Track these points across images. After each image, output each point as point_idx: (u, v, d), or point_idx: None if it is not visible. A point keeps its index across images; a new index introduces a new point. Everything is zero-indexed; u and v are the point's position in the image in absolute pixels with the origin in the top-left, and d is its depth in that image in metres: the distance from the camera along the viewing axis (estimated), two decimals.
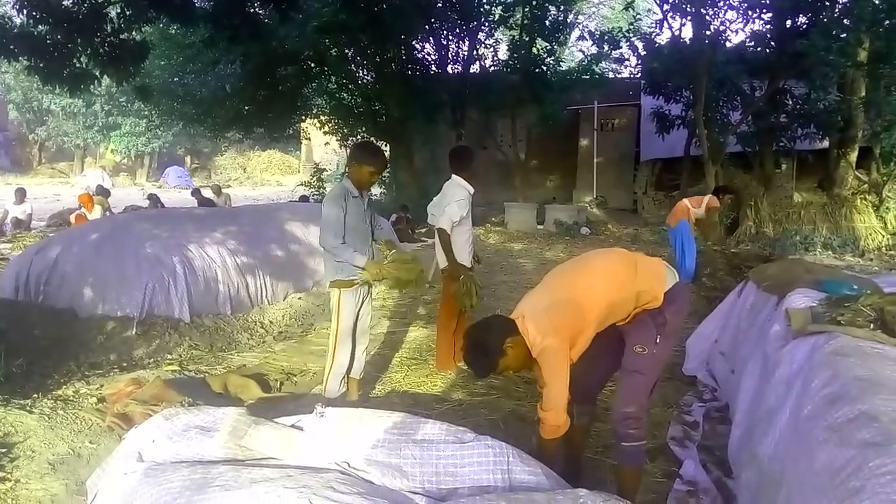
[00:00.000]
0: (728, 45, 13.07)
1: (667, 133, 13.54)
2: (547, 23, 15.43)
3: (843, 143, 12.38)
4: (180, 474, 2.29)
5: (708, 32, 12.12)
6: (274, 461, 2.47)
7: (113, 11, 7.17)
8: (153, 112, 17.01)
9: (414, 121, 15.46)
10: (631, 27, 14.67)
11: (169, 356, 5.07)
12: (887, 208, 11.88)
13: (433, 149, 16.02)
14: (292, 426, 2.64)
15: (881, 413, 1.84)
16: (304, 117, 17.76)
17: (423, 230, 12.23)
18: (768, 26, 12.22)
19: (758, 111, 12.24)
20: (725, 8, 12.25)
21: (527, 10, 15.00)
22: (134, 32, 7.63)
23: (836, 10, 11.15)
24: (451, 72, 16.21)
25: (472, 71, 16.19)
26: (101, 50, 7.00)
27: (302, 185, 18.15)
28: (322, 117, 17.30)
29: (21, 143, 35.52)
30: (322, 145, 22.31)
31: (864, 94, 11.44)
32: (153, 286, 5.62)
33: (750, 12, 12.01)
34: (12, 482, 2.80)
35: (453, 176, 4.63)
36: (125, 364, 4.82)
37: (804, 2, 11.19)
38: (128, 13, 7.09)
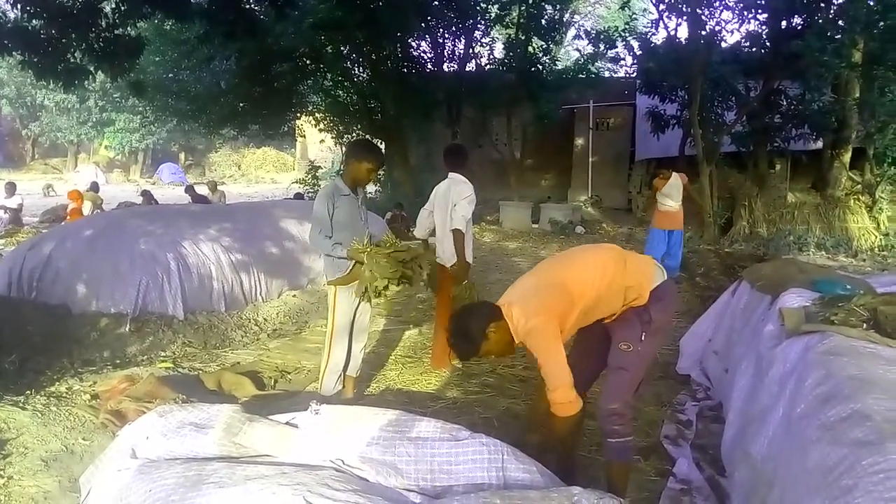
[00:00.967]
0: (723, 45, 13.07)
1: (662, 133, 13.55)
2: (543, 21, 15.43)
3: (837, 144, 12.41)
4: (174, 471, 2.29)
5: (703, 32, 12.12)
6: (269, 458, 2.46)
7: (108, 6, 7.13)
8: (147, 108, 16.95)
9: (410, 119, 15.44)
10: (627, 27, 14.68)
11: (163, 353, 5.05)
12: (880, 209, 11.93)
13: (429, 147, 16.00)
14: (287, 423, 2.64)
15: (874, 412, 1.85)
16: (299, 114, 17.72)
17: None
18: (763, 27, 12.24)
19: (752, 111, 12.27)
20: (721, 8, 12.26)
21: (523, 8, 15.00)
22: (129, 28, 7.60)
23: (832, 12, 11.16)
24: (447, 70, 16.18)
25: (467, 69, 16.17)
26: (96, 45, 6.97)
27: (297, 182, 18.12)
28: (317, 115, 17.26)
29: (14, 138, 35.39)
30: (317, 143, 22.29)
31: (858, 95, 11.46)
32: (147, 283, 5.61)
33: (745, 13, 12.03)
34: (5, 479, 2.79)
35: (451, 174, 4.62)
36: (119, 361, 4.80)
37: (799, 3, 11.20)
38: (123, 8, 7.05)
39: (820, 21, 10.96)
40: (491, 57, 17.36)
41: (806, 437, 2.01)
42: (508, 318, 2.61)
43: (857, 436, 1.77)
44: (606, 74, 18.23)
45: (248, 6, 8.35)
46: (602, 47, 15.23)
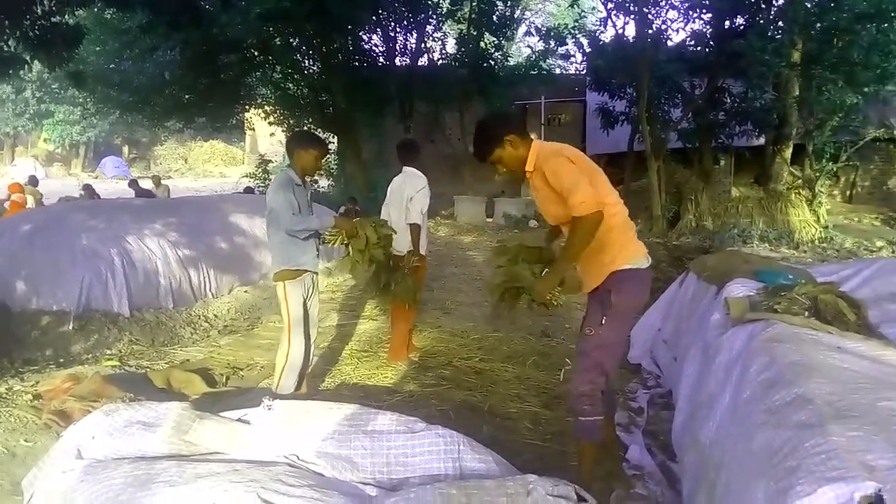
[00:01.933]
0: (669, 44, 13.39)
1: (611, 129, 13.80)
2: (494, 17, 15.52)
3: (779, 140, 12.87)
4: (122, 471, 2.22)
5: (650, 31, 12.40)
6: (220, 456, 2.41)
7: None
8: (88, 100, 16.30)
9: (361, 113, 15.30)
10: (576, 24, 14.88)
11: (108, 351, 4.90)
12: (819, 203, 12.41)
13: (381, 141, 15.91)
14: (239, 420, 2.59)
15: (815, 396, 1.92)
16: (247, 107, 17.37)
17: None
18: (708, 26, 12.60)
19: (697, 109, 12.60)
20: (667, 7, 12.56)
21: (474, 4, 15.05)
22: (67, 16, 7.31)
23: (772, 13, 11.57)
24: (398, 64, 16.11)
25: (420, 64, 16.13)
26: (31, 33, 6.70)
27: (247, 176, 17.76)
28: (267, 107, 16.97)
29: None
30: (267, 136, 21.88)
31: (797, 93, 11.90)
32: (90, 279, 5.42)
33: (690, 12, 12.36)
34: None
35: (405, 168, 4.62)
36: (62, 360, 4.65)
37: (742, 3, 11.57)
38: None
39: (761, 21, 11.36)
40: (443, 52, 17.37)
41: (751, 421, 2.07)
42: (534, 150, 2.71)
43: (800, 419, 1.83)
44: (558, 71, 18.45)
45: None
46: (552, 44, 15.39)
